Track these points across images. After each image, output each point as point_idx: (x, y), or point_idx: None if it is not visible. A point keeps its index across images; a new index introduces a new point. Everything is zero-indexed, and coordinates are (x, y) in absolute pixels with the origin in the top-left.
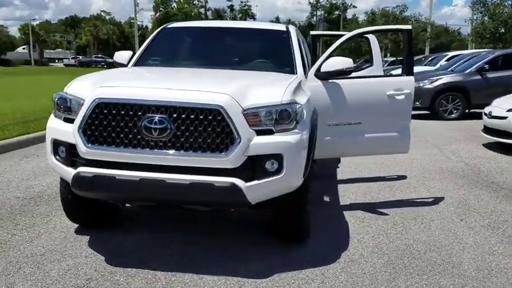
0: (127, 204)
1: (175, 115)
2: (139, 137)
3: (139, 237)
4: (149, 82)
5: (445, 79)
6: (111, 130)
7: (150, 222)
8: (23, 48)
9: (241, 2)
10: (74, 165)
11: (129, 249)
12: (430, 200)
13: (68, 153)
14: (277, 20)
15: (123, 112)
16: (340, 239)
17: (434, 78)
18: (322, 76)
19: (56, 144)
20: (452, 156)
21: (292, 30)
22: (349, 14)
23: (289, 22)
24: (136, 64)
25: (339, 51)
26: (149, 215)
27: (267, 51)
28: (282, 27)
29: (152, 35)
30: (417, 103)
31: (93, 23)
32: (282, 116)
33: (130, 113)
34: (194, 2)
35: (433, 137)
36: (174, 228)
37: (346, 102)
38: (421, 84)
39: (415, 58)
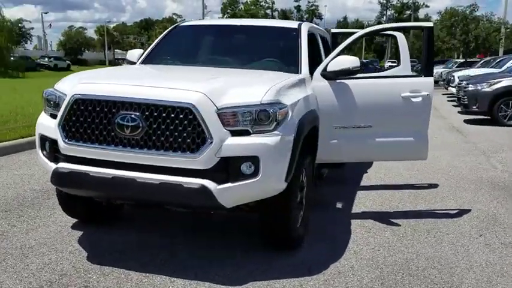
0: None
1: (147, 113)
2: (113, 134)
3: (129, 236)
4: (128, 79)
5: (505, 82)
6: (87, 126)
7: (145, 222)
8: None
9: (309, 2)
10: (56, 160)
11: (117, 247)
12: (454, 212)
13: (51, 148)
14: (344, 20)
15: (98, 109)
16: (335, 249)
17: (495, 81)
18: (328, 76)
19: (43, 139)
20: (498, 165)
21: (304, 28)
22: (421, 13)
23: (357, 22)
24: (143, 62)
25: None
26: (147, 215)
27: (273, 49)
28: (293, 24)
29: (163, 34)
30: (474, 107)
31: (164, 26)
32: (260, 117)
33: (105, 109)
34: (261, 4)
35: (484, 143)
36: (163, 229)
37: (355, 104)
38: (479, 87)
39: (484, 60)
